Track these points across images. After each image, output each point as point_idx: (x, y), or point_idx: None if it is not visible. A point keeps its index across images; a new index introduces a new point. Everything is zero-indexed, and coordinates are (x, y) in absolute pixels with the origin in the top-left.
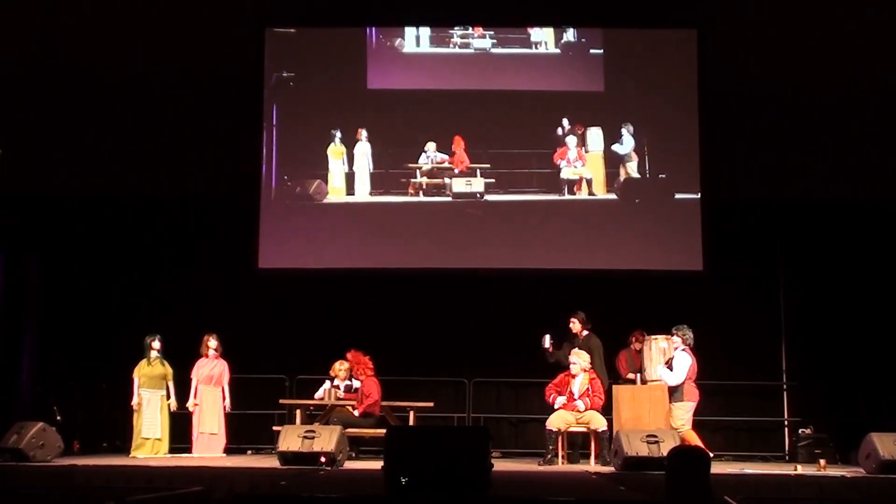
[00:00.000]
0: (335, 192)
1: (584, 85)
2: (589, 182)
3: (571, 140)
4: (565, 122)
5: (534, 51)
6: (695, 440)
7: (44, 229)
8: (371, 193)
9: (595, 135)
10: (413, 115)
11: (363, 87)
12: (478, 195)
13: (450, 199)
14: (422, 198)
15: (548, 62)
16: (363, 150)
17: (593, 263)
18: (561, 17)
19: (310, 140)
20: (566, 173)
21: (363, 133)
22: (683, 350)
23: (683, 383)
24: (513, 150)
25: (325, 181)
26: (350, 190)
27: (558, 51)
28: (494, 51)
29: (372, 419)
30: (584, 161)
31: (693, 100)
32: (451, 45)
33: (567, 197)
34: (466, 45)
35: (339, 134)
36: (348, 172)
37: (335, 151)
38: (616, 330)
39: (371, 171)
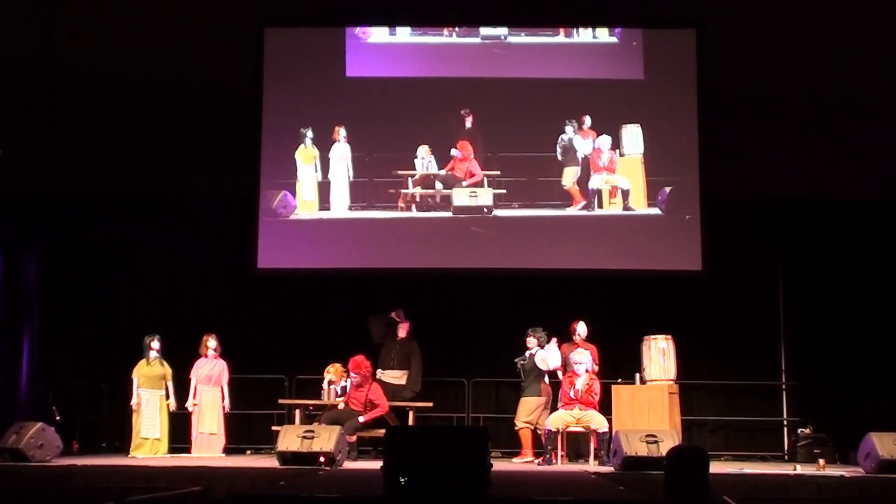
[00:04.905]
0: (305, 207)
1: (619, 72)
2: (625, 193)
3: (604, 140)
4: (588, 119)
5: (556, 39)
6: (527, 440)
7: (43, 229)
8: (351, 207)
9: (632, 134)
10: (404, 111)
11: (340, 76)
12: (485, 210)
13: (450, 214)
14: (415, 213)
15: (573, 47)
16: (341, 153)
17: (592, 263)
18: (559, 17)
19: (275, 141)
20: (595, 182)
21: (341, 132)
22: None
23: (540, 380)
24: (527, 154)
25: (294, 192)
26: (324, 203)
27: (581, 38)
28: (512, 39)
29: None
30: (614, 167)
31: (692, 98)
32: (449, 33)
33: (597, 213)
34: (469, 34)
35: (310, 133)
36: (322, 181)
37: (305, 155)
38: (616, 330)
39: (351, 179)
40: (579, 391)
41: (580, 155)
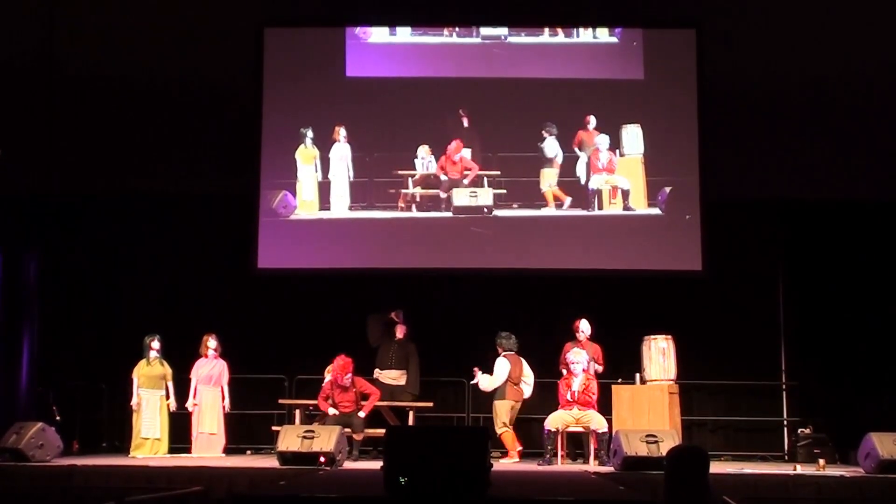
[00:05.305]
0: (305, 207)
1: (619, 72)
2: (625, 193)
3: (603, 141)
4: (592, 119)
5: (557, 39)
6: (510, 442)
7: (43, 229)
8: (351, 207)
9: (632, 134)
10: (404, 111)
11: (340, 76)
12: (485, 210)
13: (450, 214)
14: (415, 213)
15: (573, 47)
16: (341, 153)
17: (592, 263)
18: (559, 17)
19: (275, 141)
20: (596, 182)
21: (341, 132)
22: (503, 357)
23: (505, 384)
24: (528, 154)
25: (294, 192)
26: (324, 203)
27: (581, 38)
28: (513, 39)
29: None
30: (614, 167)
31: (692, 98)
32: (449, 33)
33: (597, 213)
34: (469, 34)
35: (310, 133)
36: (322, 181)
37: (305, 155)
38: (616, 330)
39: (351, 179)
40: (576, 392)
41: (552, 157)
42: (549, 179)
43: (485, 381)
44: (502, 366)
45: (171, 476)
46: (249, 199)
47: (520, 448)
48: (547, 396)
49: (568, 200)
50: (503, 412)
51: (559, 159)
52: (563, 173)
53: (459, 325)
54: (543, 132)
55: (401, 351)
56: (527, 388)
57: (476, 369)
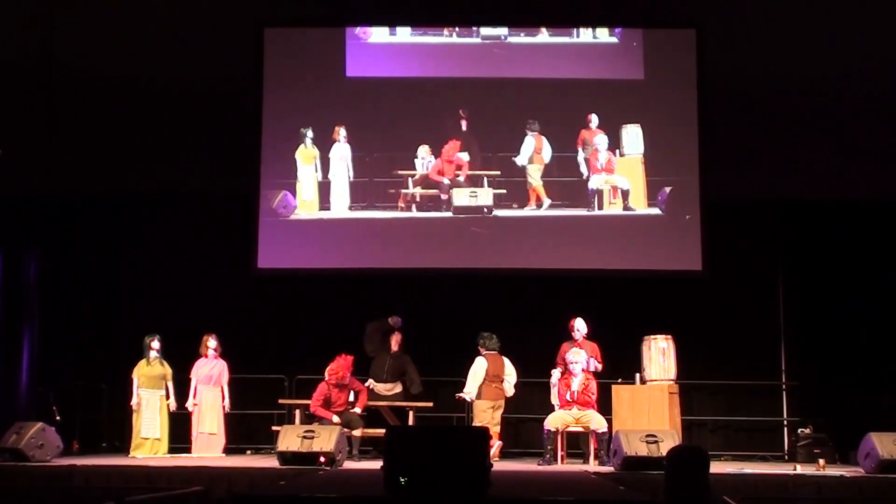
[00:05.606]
0: (305, 207)
1: (619, 72)
2: (625, 193)
3: (602, 141)
4: (594, 118)
5: (556, 39)
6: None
7: (43, 229)
8: (351, 207)
9: (632, 134)
10: (404, 111)
11: (340, 76)
12: (485, 210)
13: (450, 214)
14: (415, 213)
15: (573, 47)
16: (341, 153)
17: (592, 263)
18: (559, 17)
19: (275, 141)
20: (595, 182)
21: (341, 132)
22: (481, 356)
23: (483, 384)
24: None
25: (294, 192)
26: (324, 203)
27: (581, 38)
28: (513, 39)
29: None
30: (613, 167)
31: (692, 98)
32: (449, 34)
33: (597, 213)
34: (469, 34)
35: (310, 133)
36: (322, 181)
37: (305, 155)
38: (616, 330)
39: (351, 179)
40: (575, 392)
41: (526, 158)
42: (533, 175)
43: (466, 390)
44: (478, 364)
45: (171, 476)
46: (249, 199)
47: (499, 441)
48: (545, 397)
49: (547, 202)
50: (479, 412)
51: (546, 156)
52: (559, 173)
53: (459, 324)
54: (526, 129)
55: (395, 364)
56: (508, 387)
57: (458, 396)
